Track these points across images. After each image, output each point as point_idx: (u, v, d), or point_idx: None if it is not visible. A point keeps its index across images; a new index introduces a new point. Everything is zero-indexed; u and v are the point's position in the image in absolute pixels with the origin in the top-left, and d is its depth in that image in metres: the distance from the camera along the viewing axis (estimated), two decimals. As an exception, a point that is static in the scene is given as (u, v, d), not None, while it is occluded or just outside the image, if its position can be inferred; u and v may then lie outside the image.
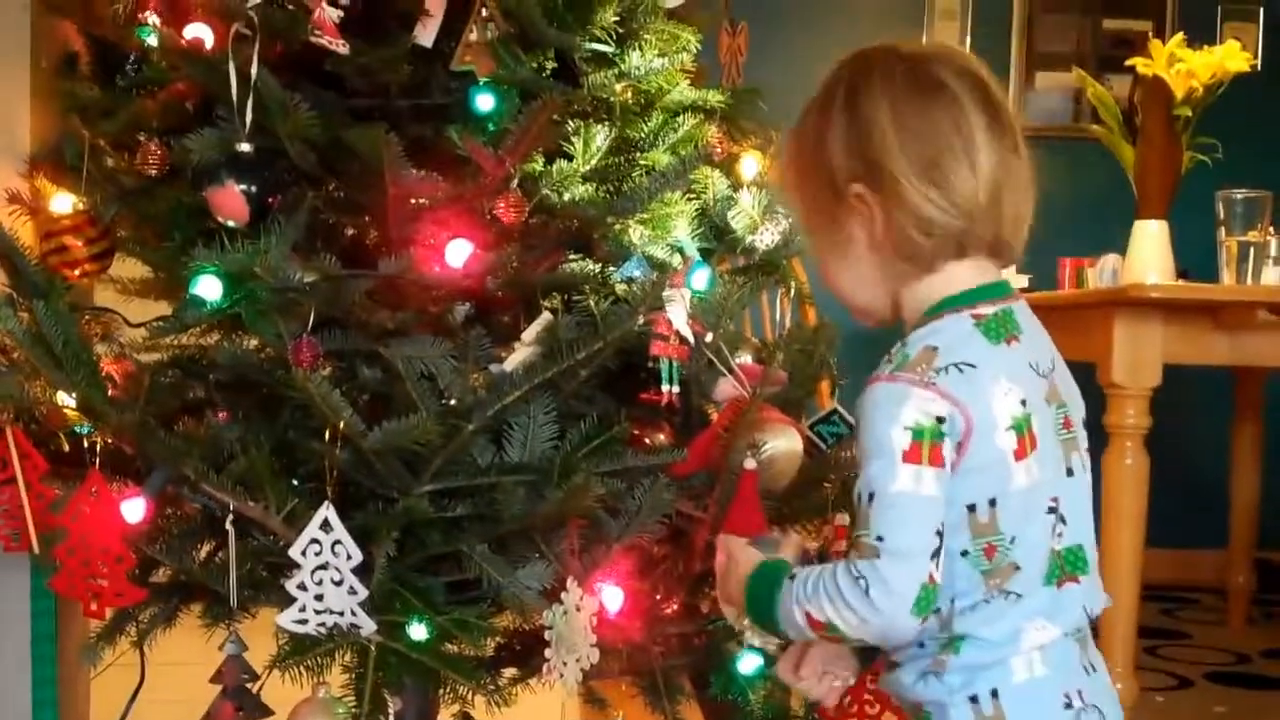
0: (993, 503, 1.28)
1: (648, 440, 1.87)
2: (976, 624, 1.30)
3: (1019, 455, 1.29)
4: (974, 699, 1.30)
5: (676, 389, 1.76)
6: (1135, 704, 3.00)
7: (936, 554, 1.25)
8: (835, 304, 1.48)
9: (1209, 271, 3.31)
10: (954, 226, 1.32)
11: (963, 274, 1.35)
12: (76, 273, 1.83)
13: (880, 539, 1.24)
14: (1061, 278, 3.91)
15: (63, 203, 1.86)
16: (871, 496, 1.26)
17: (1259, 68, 4.65)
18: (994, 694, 1.29)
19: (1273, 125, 4.90)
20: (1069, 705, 1.31)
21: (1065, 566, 1.32)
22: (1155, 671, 3.71)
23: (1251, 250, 3.16)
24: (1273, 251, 3.17)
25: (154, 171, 1.79)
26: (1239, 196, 3.19)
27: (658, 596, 1.90)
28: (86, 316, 1.88)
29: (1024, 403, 1.30)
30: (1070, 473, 1.35)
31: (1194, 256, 3.52)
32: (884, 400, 1.28)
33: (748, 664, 1.96)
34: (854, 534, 1.27)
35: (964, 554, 1.29)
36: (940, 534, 1.26)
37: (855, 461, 1.32)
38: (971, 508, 1.29)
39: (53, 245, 1.83)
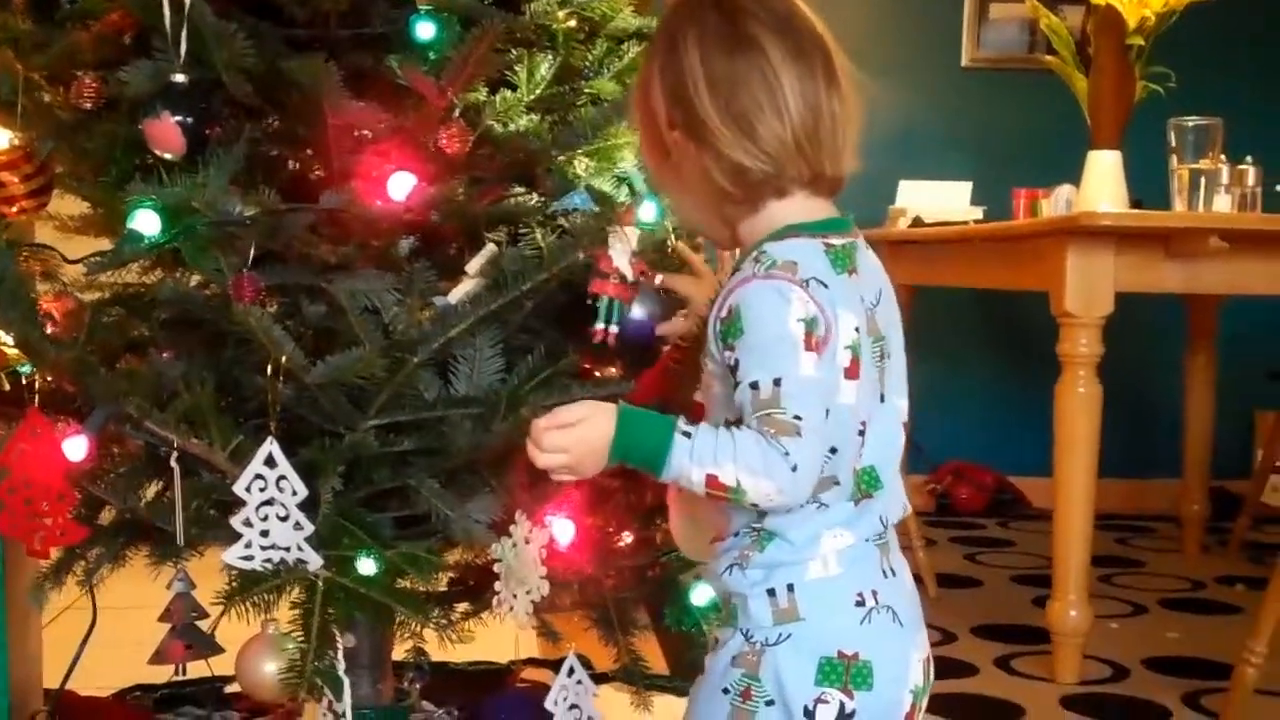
0: (826, 412, 1.35)
1: (598, 374, 1.86)
2: (785, 525, 1.40)
3: (849, 374, 1.38)
4: (771, 592, 1.40)
5: (615, 329, 1.74)
6: (1089, 631, 3.03)
7: None
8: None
9: (1163, 201, 3.31)
10: (765, 171, 1.40)
11: (793, 209, 1.44)
12: (14, 209, 1.80)
13: (799, 418, 1.31)
14: (1016, 208, 3.91)
15: (-2, 139, 1.83)
16: (778, 382, 1.32)
17: (1212, -4, 4.64)
18: (789, 588, 1.40)
19: (1225, 54, 4.90)
20: (860, 603, 1.40)
21: (862, 484, 1.42)
22: (1109, 599, 3.74)
23: (1203, 179, 3.16)
24: (1224, 179, 3.17)
25: (90, 105, 1.76)
26: (1190, 124, 3.19)
27: (609, 529, 1.90)
28: (25, 254, 1.85)
29: (857, 330, 1.39)
30: (882, 399, 1.44)
31: (1148, 187, 3.52)
32: (772, 296, 1.35)
33: (701, 595, 1.96)
34: (760, 414, 1.32)
35: None
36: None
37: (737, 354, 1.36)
38: None
39: (-12, 182, 1.80)
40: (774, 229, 1.42)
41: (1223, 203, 3.15)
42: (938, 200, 4.26)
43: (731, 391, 1.36)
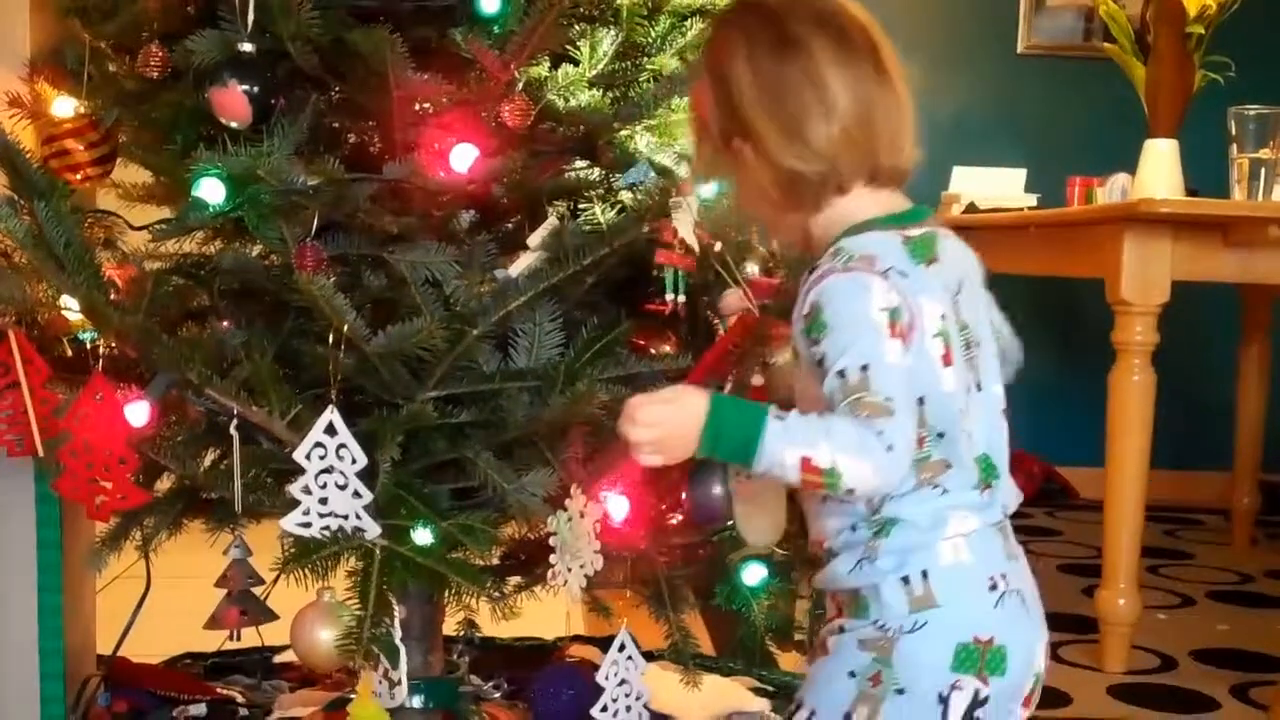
0: (921, 400, 1.36)
1: (653, 350, 1.87)
2: (903, 507, 1.39)
3: (946, 361, 1.39)
4: (905, 579, 1.39)
5: (682, 298, 1.75)
6: (1137, 621, 3.01)
7: None
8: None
9: (1218, 193, 3.27)
10: (819, 172, 1.42)
11: (859, 203, 1.44)
12: (78, 176, 1.82)
13: (890, 399, 1.31)
14: (1070, 196, 3.88)
15: (64, 106, 1.85)
16: (865, 368, 1.32)
17: (1273, -15, 4.59)
18: (924, 575, 1.38)
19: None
20: (993, 587, 1.40)
21: (982, 473, 1.42)
22: (1158, 590, 3.71)
23: (1263, 169, 3.13)
24: (1284, 169, 3.14)
25: (155, 74, 1.77)
26: (1251, 113, 3.15)
27: (663, 506, 1.90)
28: (89, 220, 1.87)
29: (943, 317, 1.39)
30: (979, 387, 1.44)
31: (1204, 177, 3.49)
32: (852, 288, 1.35)
33: (752, 575, 1.96)
34: (851, 399, 1.31)
35: None
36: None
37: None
38: None
39: (54, 149, 1.81)
40: (847, 224, 1.43)
41: (1283, 192, 3.12)
42: (992, 187, 4.24)
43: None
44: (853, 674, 1.40)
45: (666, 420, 1.38)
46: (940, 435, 1.38)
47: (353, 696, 1.77)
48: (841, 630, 1.43)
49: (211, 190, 1.62)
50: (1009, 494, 1.45)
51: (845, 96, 1.40)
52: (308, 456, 1.62)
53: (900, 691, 1.37)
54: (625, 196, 1.80)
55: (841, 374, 1.32)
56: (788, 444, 1.32)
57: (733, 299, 1.82)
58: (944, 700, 1.37)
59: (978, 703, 1.37)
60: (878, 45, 1.44)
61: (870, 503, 1.39)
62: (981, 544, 1.40)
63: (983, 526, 1.41)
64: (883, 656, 1.38)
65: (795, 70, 1.40)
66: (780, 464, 1.32)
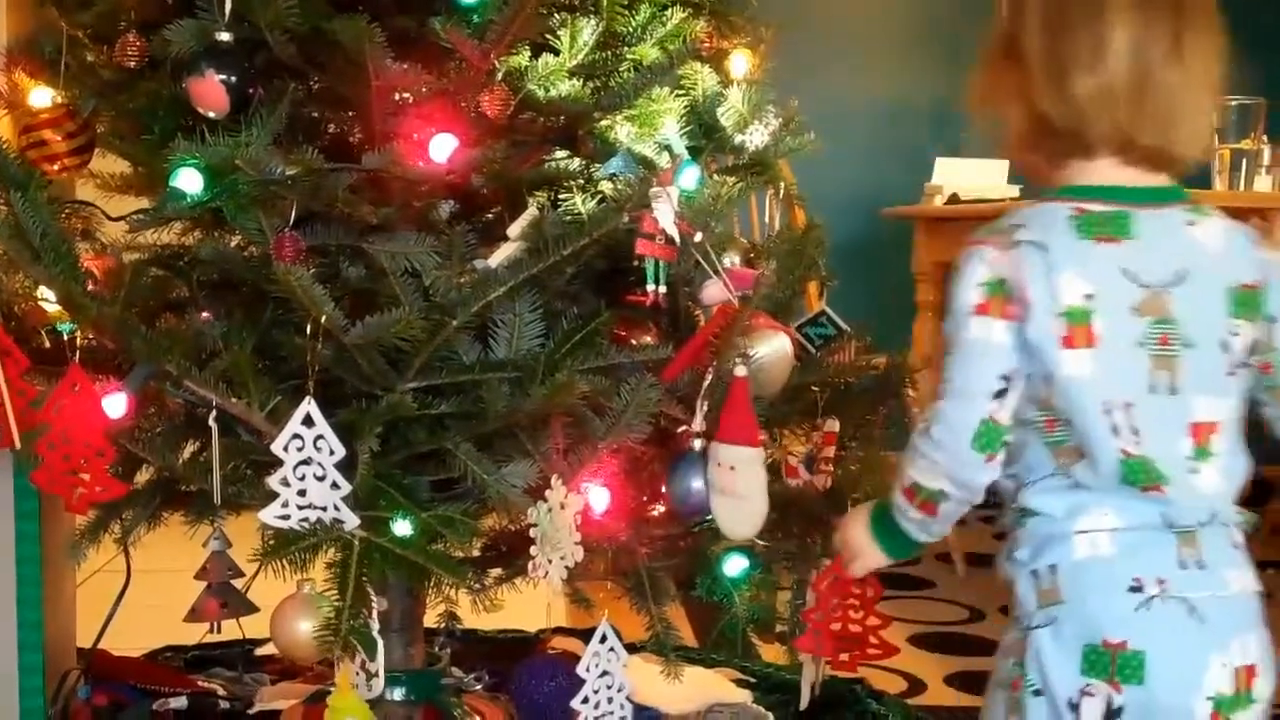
0: (1046, 379, 1.32)
1: (634, 341, 1.86)
2: (1035, 497, 1.36)
3: (1068, 343, 1.31)
4: (1035, 573, 1.35)
5: (663, 289, 1.74)
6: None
7: (1001, 395, 1.32)
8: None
9: (1201, 181, 3.28)
10: (1069, 127, 1.35)
11: (1098, 176, 1.37)
12: (56, 167, 1.80)
13: (948, 380, 1.32)
14: (1052, 188, 3.89)
15: (41, 96, 1.83)
16: (949, 352, 1.33)
17: (1256, -25, 4.59)
18: (1052, 569, 1.34)
19: (1268, 34, 4.85)
20: (1137, 589, 1.30)
21: (1131, 475, 1.31)
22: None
23: (1244, 159, 3.14)
24: (1265, 160, 3.15)
25: (133, 64, 1.76)
26: (1232, 104, 3.17)
27: (644, 498, 1.90)
28: (66, 211, 1.86)
29: (1089, 297, 1.31)
30: (1174, 391, 1.32)
31: (1186, 167, 3.49)
32: (965, 266, 1.34)
33: (733, 566, 1.96)
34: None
35: (1027, 422, 1.35)
36: (1008, 379, 1.32)
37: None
38: (1028, 376, 1.33)
39: (31, 139, 1.80)
40: (1054, 189, 1.38)
41: (1264, 183, 3.13)
42: (974, 178, 4.24)
43: None
44: (1000, 684, 1.38)
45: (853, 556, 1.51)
46: (1068, 422, 1.32)
47: (333, 689, 1.76)
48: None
49: (189, 180, 1.61)
50: (1183, 509, 1.32)
51: (1124, 57, 1.32)
52: (285, 448, 1.61)
53: (1037, 694, 1.32)
54: (605, 187, 1.79)
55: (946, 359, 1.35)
56: (895, 492, 1.40)
57: (713, 290, 1.81)
58: (1075, 708, 1.30)
59: (1112, 713, 1.29)
60: (1187, 25, 1.36)
61: (1012, 487, 1.38)
62: (1132, 543, 1.31)
63: (1130, 527, 1.31)
64: (1019, 660, 1.35)
65: (1084, 12, 1.34)
66: (904, 512, 1.40)
